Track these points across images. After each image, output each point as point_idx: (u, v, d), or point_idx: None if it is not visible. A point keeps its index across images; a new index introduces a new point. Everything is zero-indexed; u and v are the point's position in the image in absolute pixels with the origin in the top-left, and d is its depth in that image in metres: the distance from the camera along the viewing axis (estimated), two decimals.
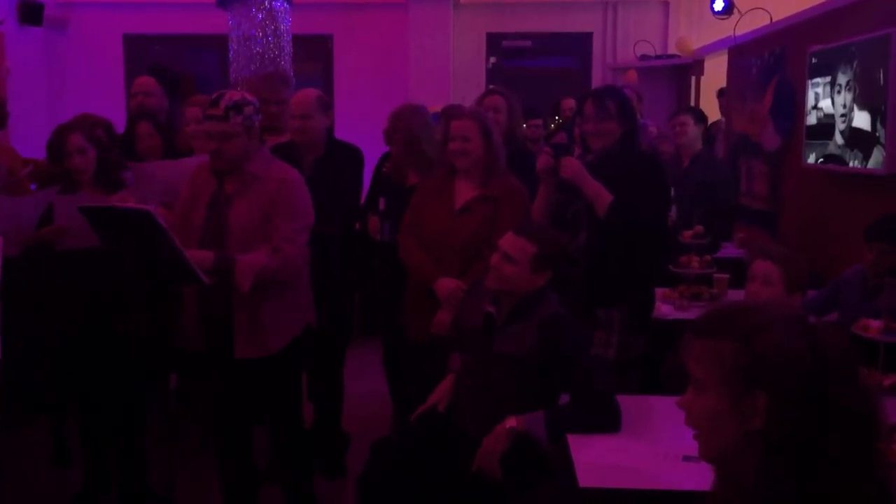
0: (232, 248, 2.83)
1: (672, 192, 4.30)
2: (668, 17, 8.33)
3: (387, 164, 3.90)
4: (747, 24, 5.84)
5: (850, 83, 3.89)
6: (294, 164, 3.13)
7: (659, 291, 3.68)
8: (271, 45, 5.96)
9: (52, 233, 3.12)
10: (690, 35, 7.79)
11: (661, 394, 2.78)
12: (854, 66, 3.86)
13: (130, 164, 3.45)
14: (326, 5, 8.07)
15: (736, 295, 3.72)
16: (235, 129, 2.83)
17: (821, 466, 1.21)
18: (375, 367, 4.06)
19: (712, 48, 6.90)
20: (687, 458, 2.17)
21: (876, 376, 2.62)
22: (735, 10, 6.13)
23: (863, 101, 3.78)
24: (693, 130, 5.09)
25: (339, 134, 4.00)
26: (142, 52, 8.52)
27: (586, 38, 8.50)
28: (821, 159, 4.24)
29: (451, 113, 3.66)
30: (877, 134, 3.64)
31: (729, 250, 4.89)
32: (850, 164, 3.90)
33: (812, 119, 4.34)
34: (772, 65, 5.15)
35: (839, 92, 4.02)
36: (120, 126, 3.81)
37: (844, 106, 3.96)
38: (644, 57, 8.08)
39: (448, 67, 8.18)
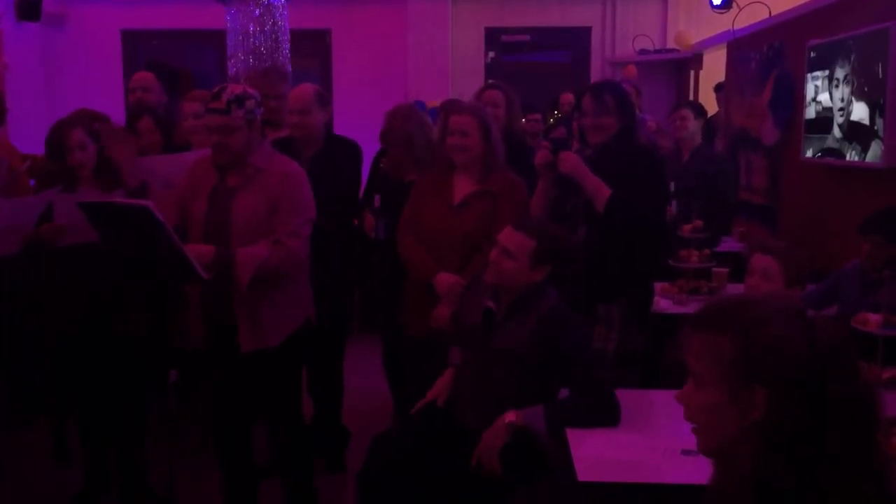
0: (235, 241, 2.83)
1: (672, 187, 4.31)
2: (666, 12, 8.32)
3: (384, 159, 3.89)
4: (746, 18, 5.84)
5: (849, 77, 3.89)
6: (292, 159, 3.13)
7: (658, 286, 3.68)
8: (269, 40, 5.94)
9: (51, 230, 3.12)
10: (689, 29, 7.78)
11: (661, 388, 2.78)
12: (852, 59, 3.86)
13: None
14: (325, 0, 8.06)
15: (735, 289, 3.72)
16: (237, 123, 2.82)
17: (820, 463, 1.21)
18: (375, 361, 4.06)
19: (711, 42, 6.89)
20: (686, 452, 2.17)
21: (875, 370, 2.62)
22: (734, 5, 6.12)
23: (861, 95, 3.78)
24: (693, 125, 5.09)
25: (338, 129, 4.01)
26: (140, 48, 8.51)
27: (585, 32, 8.48)
28: (819, 153, 4.24)
29: (450, 108, 3.66)
30: (875, 127, 3.63)
31: (728, 244, 4.90)
32: (849, 158, 3.90)
33: (811, 113, 4.34)
34: (771, 59, 5.15)
35: (837, 86, 4.01)
36: (118, 121, 3.80)
37: (843, 100, 3.96)
38: (643, 51, 8.08)
39: (447, 62, 8.17)
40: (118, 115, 4.05)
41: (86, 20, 8.25)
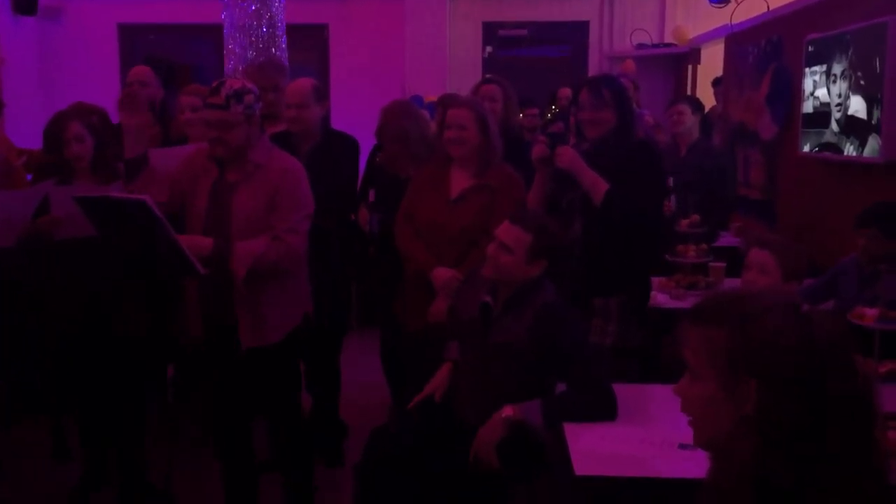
0: (235, 236, 2.82)
1: (670, 182, 4.31)
2: (664, 6, 8.31)
3: (380, 154, 3.89)
4: (744, 12, 5.83)
5: (846, 71, 3.89)
6: (290, 154, 3.12)
7: (655, 280, 3.67)
8: (266, 35, 5.93)
9: (48, 223, 3.10)
10: (687, 24, 7.77)
11: (658, 382, 2.78)
12: (850, 54, 3.85)
13: None
14: None
15: (732, 284, 3.72)
16: (236, 118, 2.81)
17: (820, 461, 1.20)
18: (373, 356, 4.05)
19: (709, 37, 6.89)
20: (683, 447, 2.17)
21: (871, 364, 2.62)
22: None
23: (859, 89, 3.77)
24: (690, 119, 5.09)
25: (335, 123, 4.00)
26: (136, 42, 8.49)
27: (583, 26, 8.47)
28: (817, 148, 4.24)
29: (448, 102, 3.66)
30: (872, 122, 3.63)
31: (726, 239, 4.89)
32: (846, 153, 3.90)
33: (809, 107, 4.33)
34: (768, 53, 5.14)
35: (835, 81, 4.01)
36: (115, 115, 3.79)
37: (840, 94, 3.95)
38: (641, 46, 8.06)
39: (444, 56, 8.16)
40: (115, 110, 4.03)
41: (82, 14, 8.24)
